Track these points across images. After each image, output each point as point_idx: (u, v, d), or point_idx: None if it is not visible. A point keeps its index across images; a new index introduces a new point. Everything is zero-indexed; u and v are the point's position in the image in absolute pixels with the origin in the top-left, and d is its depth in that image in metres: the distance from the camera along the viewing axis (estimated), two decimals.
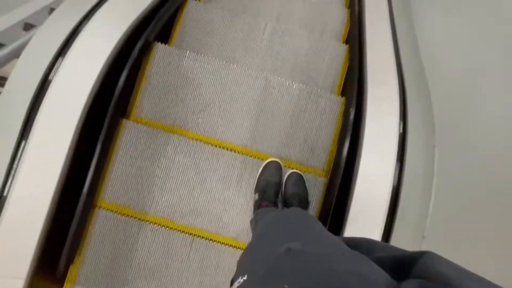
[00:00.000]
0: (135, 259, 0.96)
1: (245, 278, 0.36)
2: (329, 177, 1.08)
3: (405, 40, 1.20)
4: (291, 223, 0.55)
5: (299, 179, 1.03)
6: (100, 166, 0.94)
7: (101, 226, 0.97)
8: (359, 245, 0.47)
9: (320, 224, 0.55)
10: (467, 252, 0.68)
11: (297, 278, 0.32)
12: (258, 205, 0.92)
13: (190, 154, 1.03)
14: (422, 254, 0.38)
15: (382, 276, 0.34)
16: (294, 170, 1.06)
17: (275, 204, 0.94)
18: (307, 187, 1.05)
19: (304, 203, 0.99)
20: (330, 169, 1.11)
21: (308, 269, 0.33)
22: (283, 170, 1.05)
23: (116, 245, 0.97)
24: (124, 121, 1.03)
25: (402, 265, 0.38)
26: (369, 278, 0.32)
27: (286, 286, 0.31)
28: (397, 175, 0.85)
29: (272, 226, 0.56)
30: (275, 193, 0.96)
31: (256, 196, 0.95)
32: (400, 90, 0.98)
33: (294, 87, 1.18)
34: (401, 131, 0.90)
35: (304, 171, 1.07)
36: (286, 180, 1.04)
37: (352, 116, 1.01)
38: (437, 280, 0.32)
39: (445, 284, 0.30)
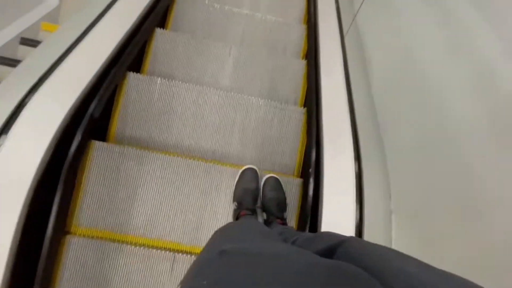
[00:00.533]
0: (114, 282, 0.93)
1: None
2: (302, 178, 1.19)
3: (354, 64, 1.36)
4: (231, 227, 0.57)
5: (276, 183, 1.08)
6: (66, 195, 0.91)
7: (75, 254, 0.91)
8: (310, 239, 0.54)
9: (263, 228, 0.58)
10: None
11: (228, 277, 0.31)
12: (237, 214, 0.97)
13: (165, 168, 1.07)
14: (343, 241, 0.42)
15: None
16: (271, 175, 1.10)
17: (253, 212, 1.01)
18: (284, 189, 1.09)
19: (282, 206, 1.04)
20: (300, 171, 1.24)
21: (241, 267, 0.33)
22: (259, 176, 1.10)
23: (92, 270, 0.92)
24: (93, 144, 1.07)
25: (332, 253, 0.43)
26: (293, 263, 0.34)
27: (205, 282, 0.31)
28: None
29: (215, 235, 0.55)
30: (252, 200, 1.01)
31: (235, 205, 1.01)
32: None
33: (261, 103, 1.31)
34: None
35: (280, 175, 1.13)
36: (263, 186, 1.08)
37: (314, 128, 1.15)
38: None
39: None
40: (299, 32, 1.77)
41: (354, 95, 1.20)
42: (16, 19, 1.73)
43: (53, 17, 2.02)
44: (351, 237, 0.45)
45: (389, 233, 0.90)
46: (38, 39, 1.84)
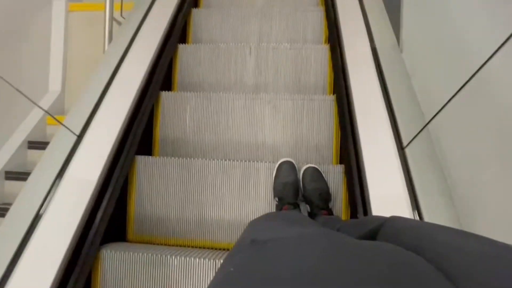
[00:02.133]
0: None
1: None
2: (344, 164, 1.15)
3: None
4: (265, 217, 0.57)
5: (315, 173, 1.04)
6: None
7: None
8: (353, 225, 0.53)
9: (302, 216, 0.57)
10: None
11: (255, 265, 0.31)
12: (279, 209, 0.98)
13: (203, 172, 1.12)
14: (384, 222, 0.41)
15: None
16: (309, 165, 1.06)
17: (296, 205, 1.00)
18: (325, 179, 1.06)
19: (325, 196, 1.01)
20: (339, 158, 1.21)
21: (270, 255, 0.32)
22: (297, 168, 1.08)
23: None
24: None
25: (374, 236, 0.42)
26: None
27: (232, 269, 0.31)
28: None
29: (250, 224, 0.55)
30: (293, 194, 1.00)
31: (276, 201, 1.01)
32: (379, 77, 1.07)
33: (287, 97, 1.30)
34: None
35: (319, 165, 1.09)
36: (302, 177, 1.05)
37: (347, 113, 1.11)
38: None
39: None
40: (317, 15, 1.72)
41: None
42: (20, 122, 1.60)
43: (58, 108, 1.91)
44: (392, 216, 0.43)
45: (450, 210, 0.83)
46: (46, 139, 1.74)
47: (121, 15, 1.80)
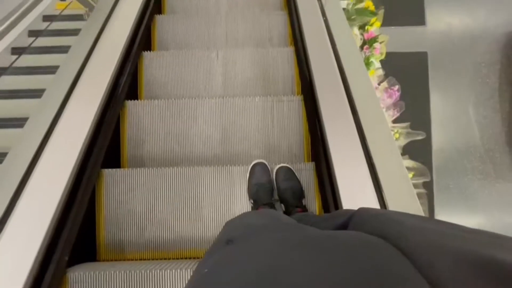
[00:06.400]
0: None
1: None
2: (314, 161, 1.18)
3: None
4: (240, 217, 0.56)
5: (287, 172, 1.06)
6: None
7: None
8: (325, 220, 0.54)
9: (276, 213, 0.58)
10: None
11: (228, 265, 0.32)
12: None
13: (175, 180, 1.09)
14: (351, 215, 0.43)
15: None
16: (281, 165, 1.09)
17: (271, 205, 1.02)
18: (298, 177, 1.08)
19: (298, 194, 1.04)
20: (310, 156, 1.24)
21: (242, 255, 0.33)
22: (270, 168, 1.09)
23: None
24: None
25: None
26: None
27: (206, 270, 0.32)
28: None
29: (226, 225, 0.55)
30: (268, 194, 1.02)
31: (251, 203, 1.02)
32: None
33: (257, 99, 1.32)
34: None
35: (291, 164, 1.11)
36: (275, 177, 1.07)
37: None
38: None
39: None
40: (281, 19, 1.76)
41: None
42: None
43: None
44: (360, 208, 0.44)
45: (413, 197, 0.88)
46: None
47: None
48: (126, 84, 1.31)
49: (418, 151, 2.19)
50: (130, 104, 1.31)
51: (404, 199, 0.86)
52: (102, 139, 1.12)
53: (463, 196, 2.48)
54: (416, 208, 0.85)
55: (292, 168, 1.10)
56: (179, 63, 1.50)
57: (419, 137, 1.94)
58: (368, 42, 1.88)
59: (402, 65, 2.46)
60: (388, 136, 0.99)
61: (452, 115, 2.62)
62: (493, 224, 2.46)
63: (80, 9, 2.18)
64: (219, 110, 1.30)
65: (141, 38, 1.51)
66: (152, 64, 1.50)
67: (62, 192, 0.88)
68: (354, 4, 1.87)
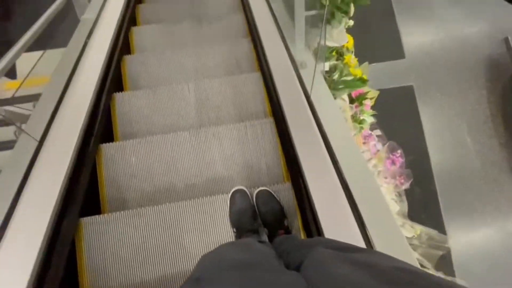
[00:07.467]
0: None
1: None
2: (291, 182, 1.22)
3: None
4: (213, 253, 0.57)
5: (267, 195, 1.08)
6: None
7: None
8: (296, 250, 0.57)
9: (249, 246, 0.60)
10: None
11: None
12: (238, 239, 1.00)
13: (155, 219, 1.09)
14: (308, 254, 0.46)
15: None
16: (260, 188, 1.11)
17: (255, 231, 1.00)
18: (278, 198, 1.10)
19: (279, 216, 1.05)
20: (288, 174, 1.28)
21: None
22: (249, 194, 1.10)
23: None
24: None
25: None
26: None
27: None
28: None
29: (200, 260, 0.56)
30: (250, 220, 1.02)
31: (234, 231, 1.03)
32: None
33: (231, 127, 1.36)
34: None
35: (270, 186, 1.13)
36: (256, 201, 1.08)
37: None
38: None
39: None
40: (245, 45, 1.85)
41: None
42: None
43: None
44: (315, 249, 0.47)
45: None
46: None
47: None
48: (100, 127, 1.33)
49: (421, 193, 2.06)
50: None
51: (380, 216, 0.90)
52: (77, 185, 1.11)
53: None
54: (391, 224, 0.89)
55: (270, 191, 1.13)
56: (154, 97, 1.53)
57: (441, 252, 1.68)
58: (357, 100, 1.65)
59: (390, 101, 2.32)
60: (357, 154, 1.05)
61: (448, 146, 2.46)
62: None
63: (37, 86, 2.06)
64: (194, 140, 1.33)
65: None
66: (125, 104, 1.53)
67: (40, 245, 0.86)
68: (340, 75, 1.59)
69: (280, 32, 1.60)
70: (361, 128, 1.63)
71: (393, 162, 1.66)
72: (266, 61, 1.53)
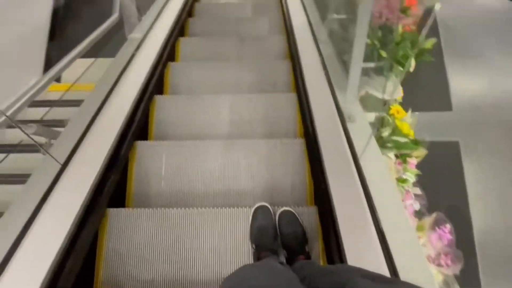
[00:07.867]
0: None
1: None
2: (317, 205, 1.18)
3: None
4: (236, 276, 0.56)
5: (291, 217, 1.06)
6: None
7: None
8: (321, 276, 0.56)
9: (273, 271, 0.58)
10: None
11: None
12: (257, 257, 0.96)
13: (178, 222, 1.10)
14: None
15: None
16: (284, 208, 1.08)
17: (274, 252, 0.99)
18: (301, 221, 1.07)
19: (301, 240, 1.02)
20: (313, 198, 1.25)
21: None
22: (272, 212, 1.09)
23: None
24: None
25: None
26: None
27: None
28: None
29: (223, 283, 0.56)
30: (271, 239, 1.00)
31: (253, 247, 1.00)
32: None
33: (262, 142, 1.37)
34: None
35: (294, 207, 1.11)
36: (278, 222, 1.06)
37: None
38: None
39: None
40: (285, 66, 1.89)
41: None
42: None
43: None
44: (358, 280, 0.45)
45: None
46: None
47: None
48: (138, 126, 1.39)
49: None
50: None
51: (409, 250, 0.85)
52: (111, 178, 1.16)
53: None
54: (420, 257, 0.84)
55: (295, 213, 1.10)
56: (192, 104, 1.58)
57: None
58: (401, 157, 1.46)
59: (431, 156, 1.92)
60: (393, 189, 1.01)
61: (495, 215, 2.13)
62: None
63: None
64: (224, 150, 1.35)
65: None
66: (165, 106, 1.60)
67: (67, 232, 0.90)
68: (391, 134, 1.43)
69: (327, 79, 1.49)
70: (402, 187, 1.42)
71: (440, 238, 1.37)
72: (303, 82, 1.55)
